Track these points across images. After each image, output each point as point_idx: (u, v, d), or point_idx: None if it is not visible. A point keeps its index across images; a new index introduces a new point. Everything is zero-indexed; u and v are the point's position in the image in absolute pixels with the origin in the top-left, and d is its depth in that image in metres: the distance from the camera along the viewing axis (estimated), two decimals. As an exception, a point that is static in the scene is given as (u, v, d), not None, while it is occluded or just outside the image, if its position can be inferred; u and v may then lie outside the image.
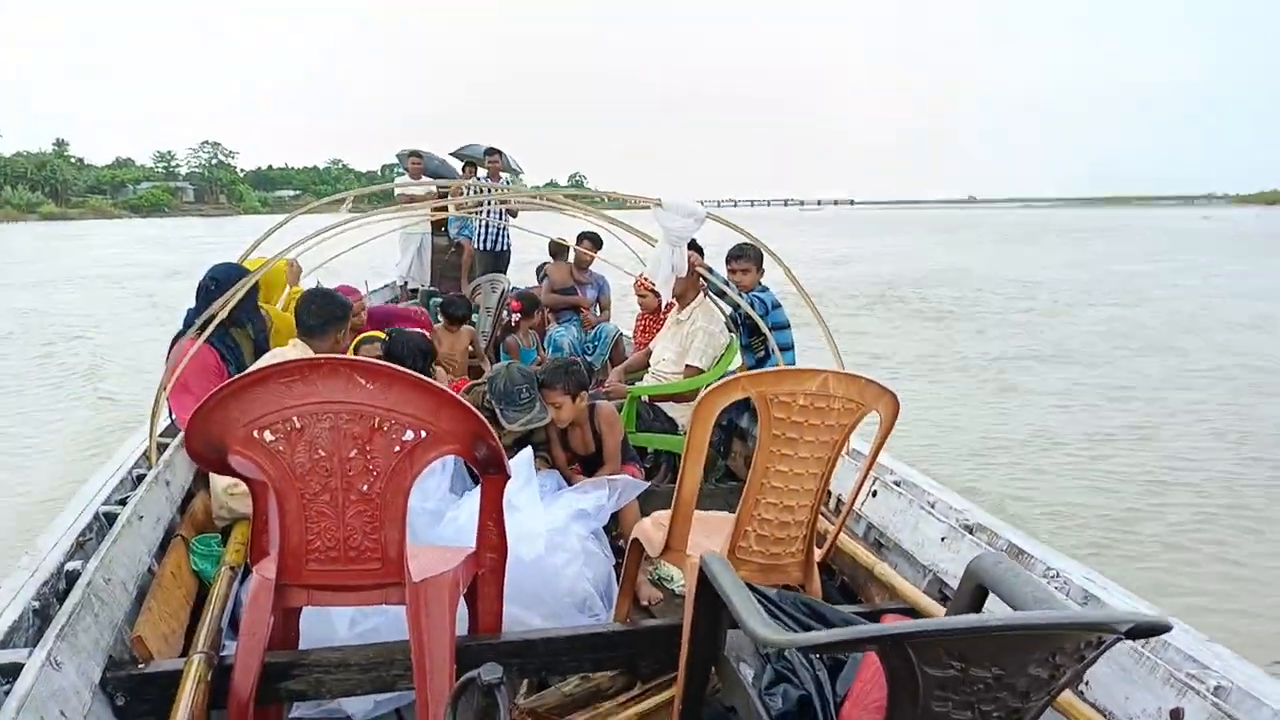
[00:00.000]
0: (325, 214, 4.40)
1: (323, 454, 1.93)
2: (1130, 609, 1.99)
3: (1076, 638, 1.42)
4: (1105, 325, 14.28)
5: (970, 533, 2.65)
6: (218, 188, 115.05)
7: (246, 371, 1.93)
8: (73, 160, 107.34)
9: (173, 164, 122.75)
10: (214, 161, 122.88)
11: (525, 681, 2.51)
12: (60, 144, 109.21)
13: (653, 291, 5.16)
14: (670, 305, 5.06)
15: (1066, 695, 1.96)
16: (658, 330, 5.10)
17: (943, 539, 2.71)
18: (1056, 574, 2.29)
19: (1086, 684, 2.03)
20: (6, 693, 1.63)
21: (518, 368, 3.49)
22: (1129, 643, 1.96)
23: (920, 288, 20.19)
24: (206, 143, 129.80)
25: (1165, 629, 1.49)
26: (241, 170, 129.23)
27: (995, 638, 1.37)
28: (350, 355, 3.02)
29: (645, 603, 3.15)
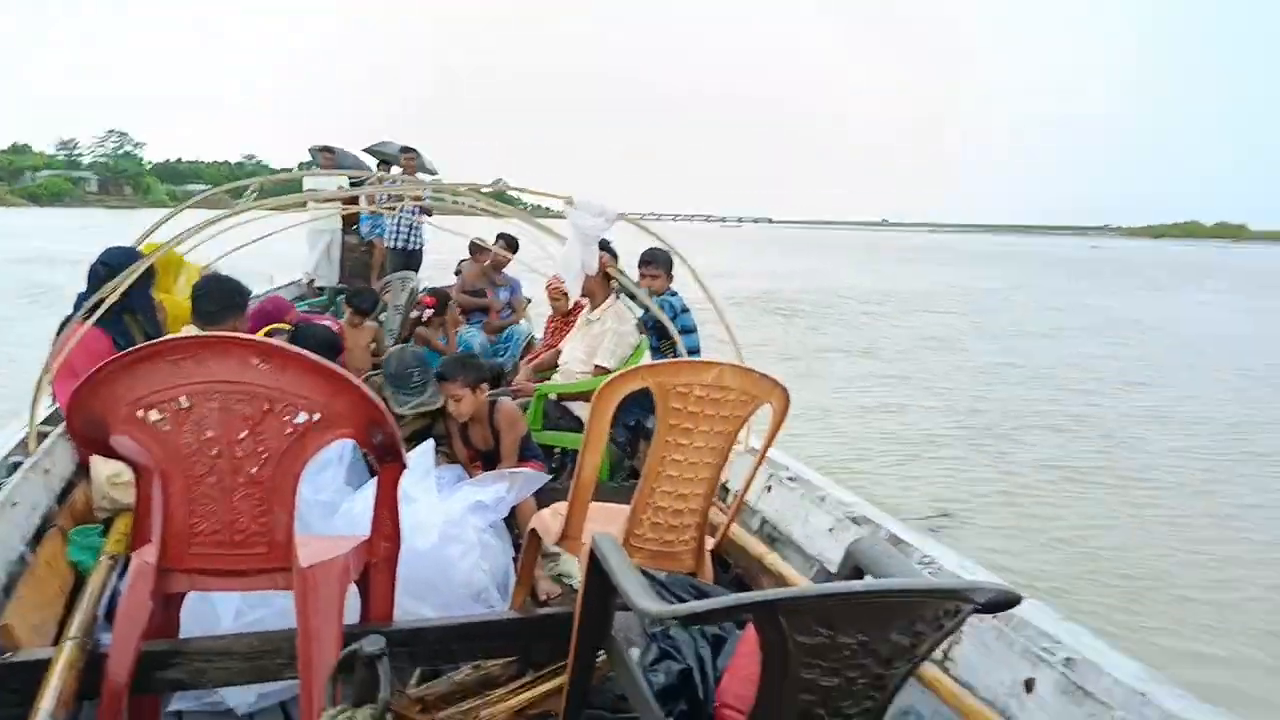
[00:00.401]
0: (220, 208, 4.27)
1: (210, 435, 1.90)
2: (995, 584, 2.13)
3: (935, 606, 1.53)
4: (924, 329, 16.89)
5: (856, 524, 2.77)
6: (123, 179, 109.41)
7: (136, 347, 1.88)
8: None
9: (75, 152, 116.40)
10: (120, 151, 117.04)
11: (417, 671, 2.50)
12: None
13: (565, 294, 5.21)
14: (579, 306, 5.11)
15: (933, 671, 2.08)
16: (568, 333, 5.14)
17: (830, 530, 2.83)
18: (932, 560, 2.43)
19: (953, 661, 2.16)
20: None
21: (410, 350, 3.48)
22: (991, 620, 2.10)
23: (792, 294, 21.95)
24: (113, 131, 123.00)
25: (1015, 601, 1.61)
26: (149, 162, 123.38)
27: (860, 604, 1.46)
28: None
29: (544, 598, 3.16)
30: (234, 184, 4.28)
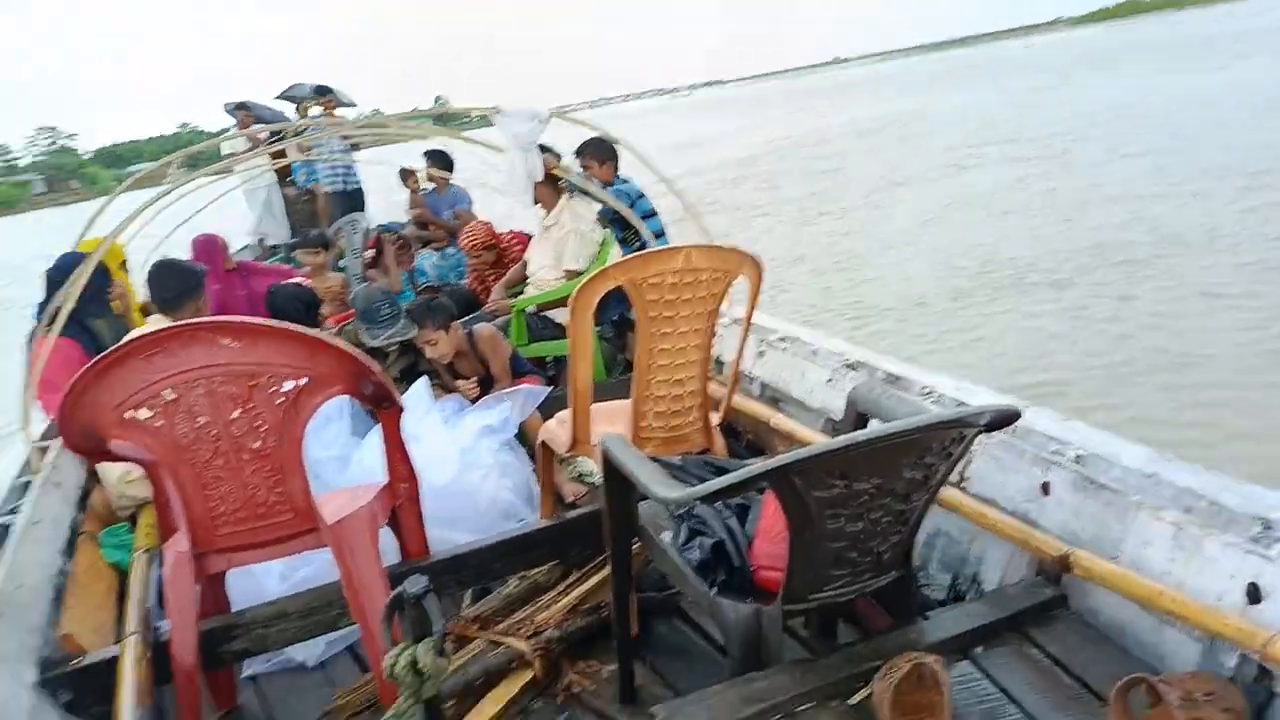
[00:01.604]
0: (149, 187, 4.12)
1: (204, 420, 1.90)
2: (994, 405, 2.19)
3: (940, 437, 1.57)
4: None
5: (852, 370, 2.82)
6: (66, 174, 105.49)
7: (102, 354, 1.85)
8: None
9: (9, 156, 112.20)
10: (55, 147, 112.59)
11: (468, 593, 2.60)
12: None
13: (486, 248, 5.04)
14: (509, 247, 5.00)
15: (954, 493, 2.17)
16: (495, 280, 4.97)
17: (828, 381, 2.88)
18: (930, 390, 2.48)
19: (969, 480, 2.24)
20: None
21: (376, 285, 3.46)
22: (1000, 435, 2.17)
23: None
24: (42, 128, 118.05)
25: (1016, 416, 1.66)
26: (88, 152, 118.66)
27: (867, 452, 1.50)
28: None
29: (571, 499, 3.24)
30: (158, 162, 4.11)
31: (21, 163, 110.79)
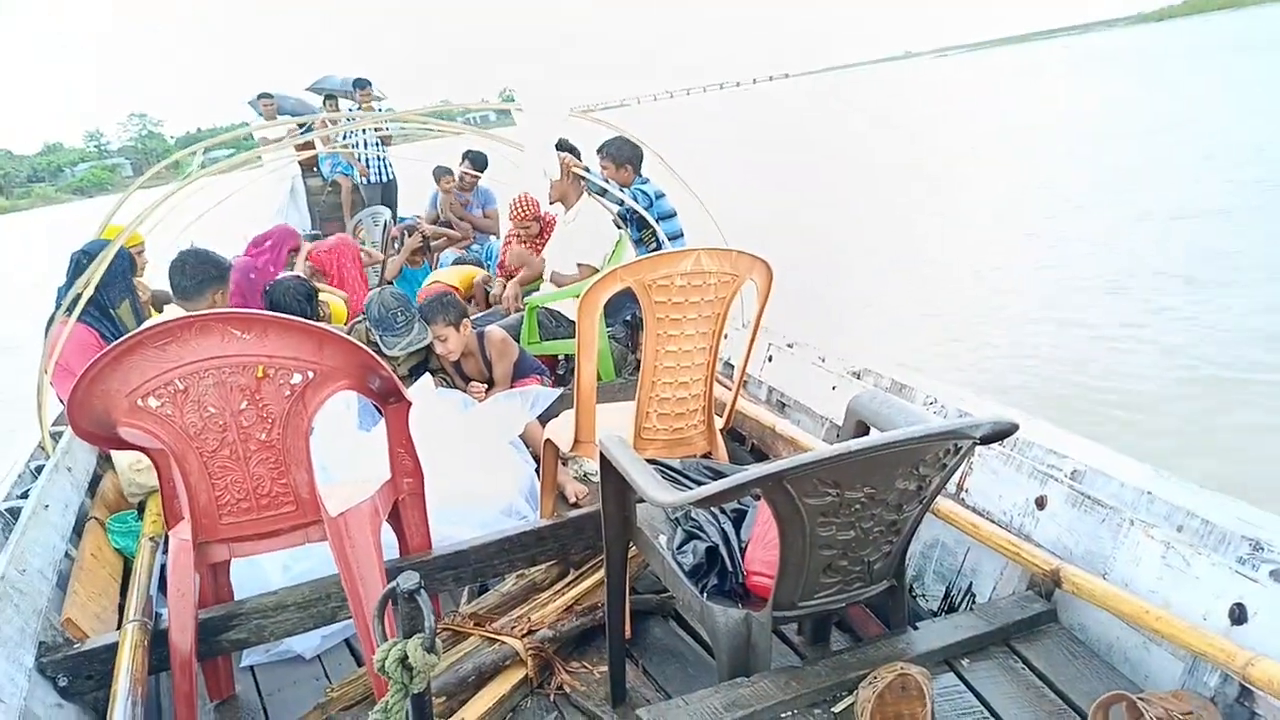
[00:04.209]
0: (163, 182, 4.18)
1: (213, 410, 1.93)
2: (991, 417, 2.20)
3: (934, 448, 1.58)
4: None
5: (858, 378, 2.83)
6: (154, 159, 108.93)
7: (116, 342, 1.89)
8: (2, 153, 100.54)
9: (103, 142, 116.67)
10: (144, 133, 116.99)
11: (466, 590, 2.63)
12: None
13: (535, 219, 5.14)
14: (547, 226, 5.09)
15: (951, 505, 2.17)
16: (540, 247, 5.12)
17: (834, 388, 2.89)
18: (934, 400, 2.49)
19: (966, 491, 2.24)
20: None
21: (390, 291, 3.49)
22: (999, 447, 2.17)
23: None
24: (133, 115, 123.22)
25: (1013, 430, 1.66)
26: (172, 138, 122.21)
27: (861, 461, 1.51)
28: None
29: (574, 499, 3.27)
30: (177, 154, 4.16)
31: (114, 147, 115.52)
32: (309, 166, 8.69)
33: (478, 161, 6.83)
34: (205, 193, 4.83)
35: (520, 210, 5.12)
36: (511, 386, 3.50)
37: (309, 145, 7.32)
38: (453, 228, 6.64)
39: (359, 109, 8.15)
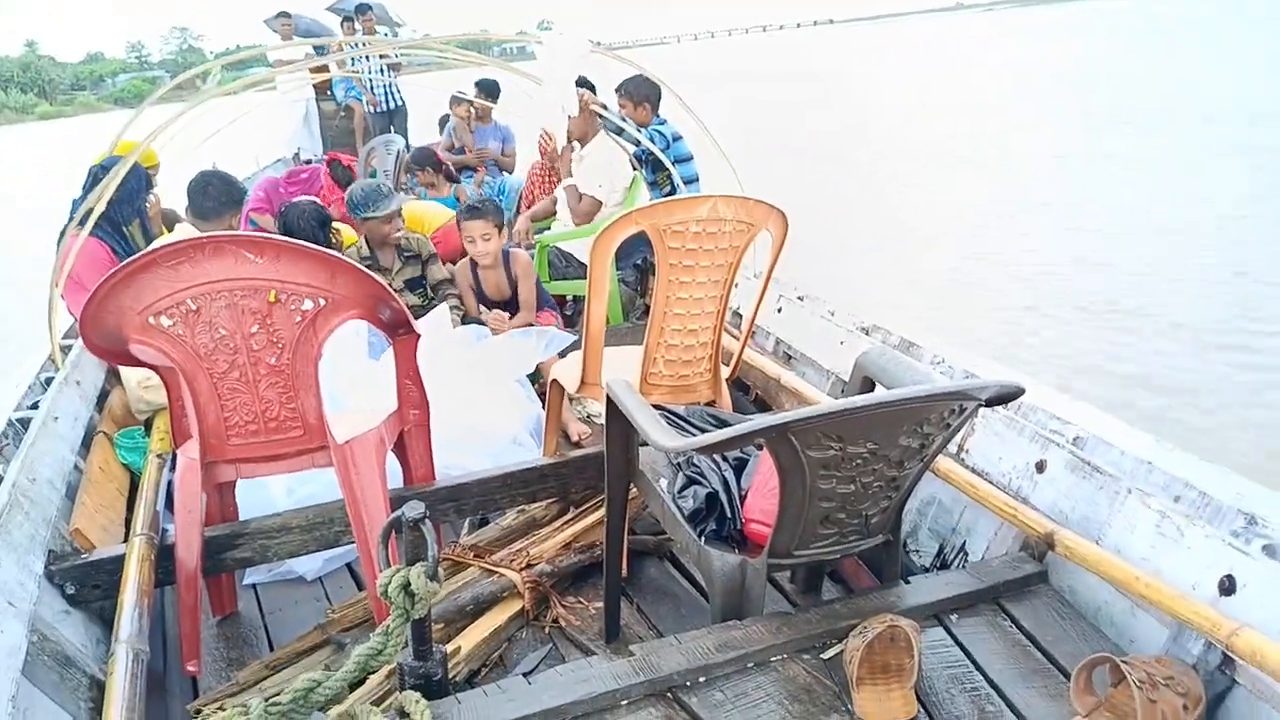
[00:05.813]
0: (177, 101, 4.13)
1: (224, 332, 1.94)
2: (998, 380, 2.20)
3: (939, 408, 1.59)
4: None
5: (866, 334, 2.83)
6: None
7: (131, 259, 1.89)
8: (46, 59, 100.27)
9: (144, 53, 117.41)
10: (185, 47, 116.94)
11: (466, 521, 2.67)
12: (31, 44, 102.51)
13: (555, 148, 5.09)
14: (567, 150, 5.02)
15: (951, 464, 2.19)
16: (555, 182, 5.05)
17: (842, 343, 2.89)
18: (942, 360, 2.49)
19: (967, 451, 2.26)
20: None
21: (370, 180, 3.56)
22: (1003, 410, 2.18)
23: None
24: (175, 28, 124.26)
25: (1019, 393, 1.67)
26: (211, 53, 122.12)
27: (865, 417, 1.52)
28: None
29: (576, 439, 3.30)
30: (192, 71, 4.10)
31: (154, 59, 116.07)
32: (323, 90, 8.58)
33: (490, 90, 6.75)
34: (217, 112, 4.78)
35: (548, 142, 5.07)
36: (536, 316, 3.52)
37: (323, 68, 7.21)
38: (464, 153, 6.66)
39: (362, 34, 8.02)
